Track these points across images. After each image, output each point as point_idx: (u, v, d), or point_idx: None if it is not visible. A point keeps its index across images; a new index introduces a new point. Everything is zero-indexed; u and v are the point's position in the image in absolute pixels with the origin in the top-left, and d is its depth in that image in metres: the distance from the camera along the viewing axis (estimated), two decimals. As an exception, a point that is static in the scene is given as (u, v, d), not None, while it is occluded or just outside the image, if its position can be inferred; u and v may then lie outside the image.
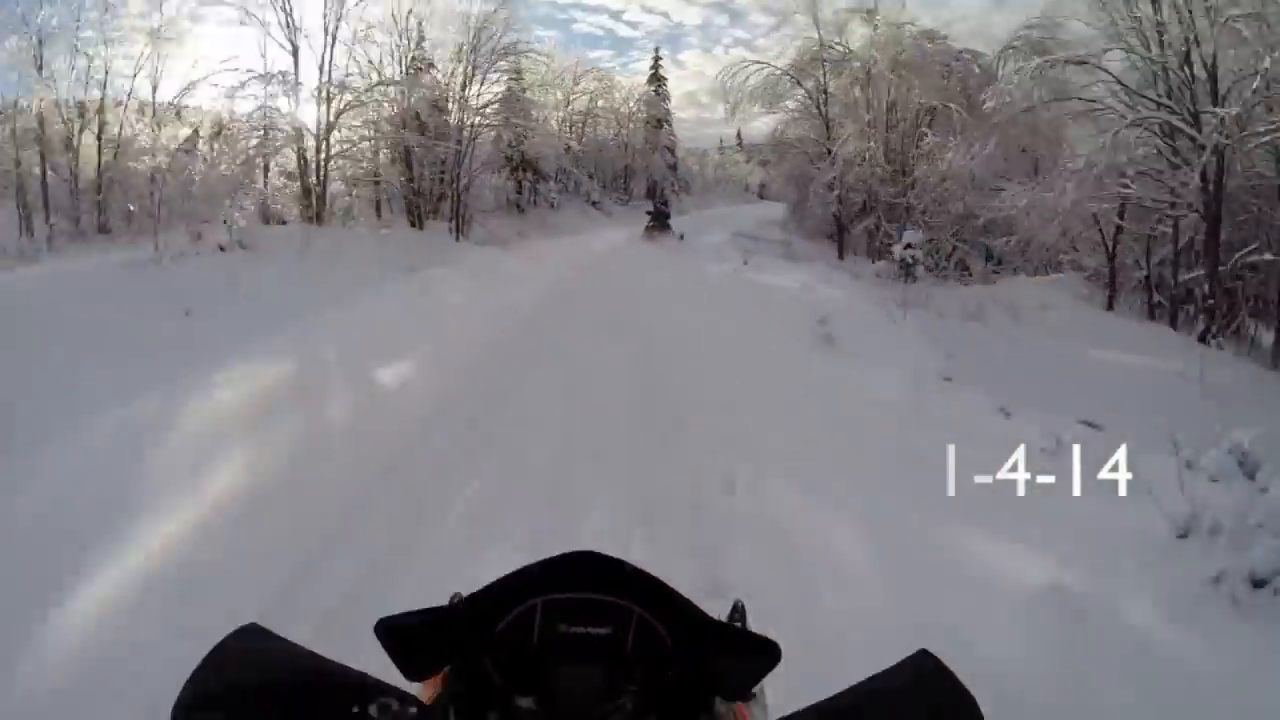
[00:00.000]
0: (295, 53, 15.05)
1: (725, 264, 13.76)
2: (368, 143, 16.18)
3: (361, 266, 12.55)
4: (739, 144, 55.03)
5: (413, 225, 17.18)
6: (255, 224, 14.14)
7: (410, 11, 16.56)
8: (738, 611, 1.19)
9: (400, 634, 0.58)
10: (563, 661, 0.59)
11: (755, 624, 1.02)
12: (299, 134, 14.90)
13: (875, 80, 17.10)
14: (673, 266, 13.51)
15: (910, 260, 11.94)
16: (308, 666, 0.56)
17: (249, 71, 14.55)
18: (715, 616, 0.62)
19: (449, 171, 17.40)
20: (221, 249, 13.00)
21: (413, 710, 0.55)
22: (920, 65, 16.58)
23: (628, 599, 0.60)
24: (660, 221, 22.10)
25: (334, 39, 15.09)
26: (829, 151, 18.72)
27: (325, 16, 15.03)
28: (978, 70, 16.58)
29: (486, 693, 0.61)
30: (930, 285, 11.97)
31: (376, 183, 16.49)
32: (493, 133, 20.22)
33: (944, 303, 10.36)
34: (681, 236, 21.47)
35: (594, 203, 25.69)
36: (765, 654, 0.60)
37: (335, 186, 15.88)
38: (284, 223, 15.38)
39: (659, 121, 31.01)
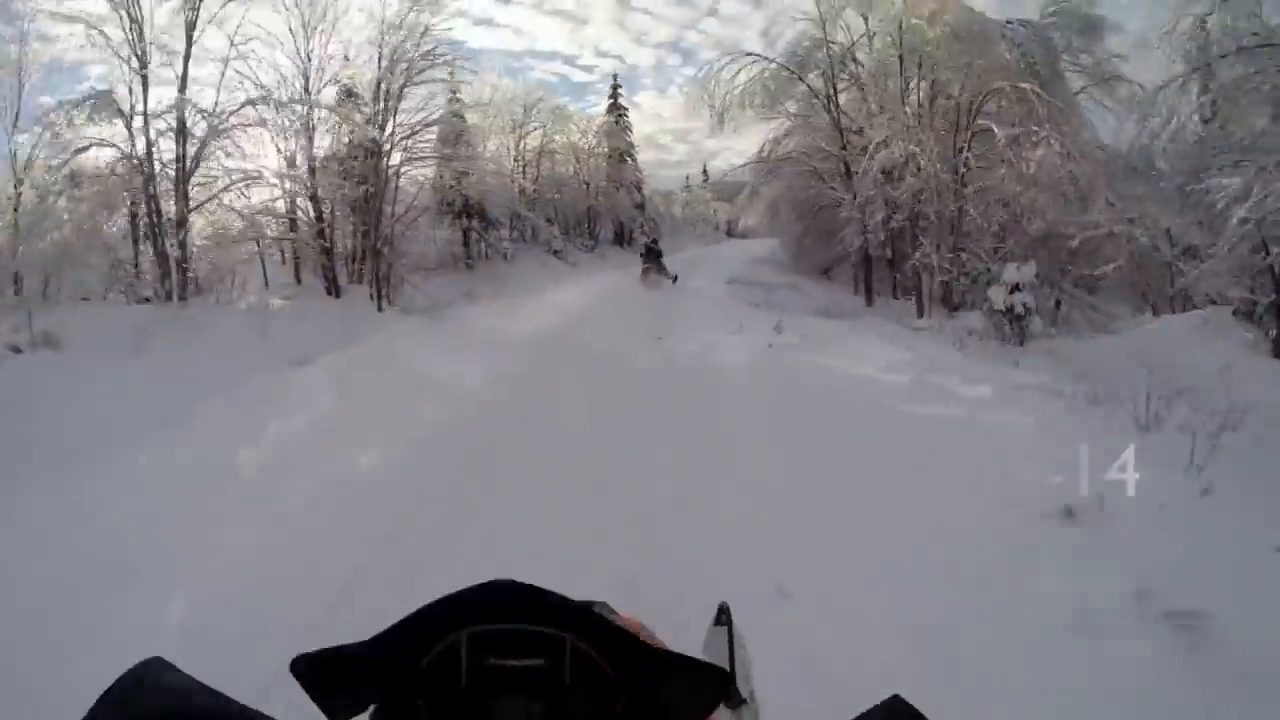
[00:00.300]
0: (144, 69, 11.05)
1: (746, 332, 9.82)
2: (242, 189, 12.03)
3: (225, 362, 8.49)
4: (705, 179, 52.46)
5: (330, 293, 13.18)
6: (75, 306, 9.99)
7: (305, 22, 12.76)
8: (724, 614, 1.14)
9: (320, 671, 0.55)
10: (500, 696, 0.56)
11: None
12: (142, 178, 10.81)
13: (910, 59, 13.26)
14: (676, 344, 9.45)
15: (1022, 310, 8.27)
16: (203, 706, 0.53)
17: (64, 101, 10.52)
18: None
19: (368, 222, 13.46)
20: (16, 350, 8.88)
21: None
22: (977, 35, 12.42)
23: (559, 628, 0.57)
24: (655, 261, 19.47)
25: (190, 47, 11.08)
26: (845, 167, 15.05)
27: (184, 13, 11.06)
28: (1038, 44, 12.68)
29: None
30: (1049, 341, 8.34)
31: (257, 241, 12.43)
32: (429, 172, 16.42)
33: (1117, 378, 6.55)
34: (675, 279, 18.74)
35: (555, 251, 21.88)
36: (715, 683, 0.57)
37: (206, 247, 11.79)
38: (147, 300, 11.28)
39: (622, 155, 27.48)
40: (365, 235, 13.50)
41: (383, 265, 13.13)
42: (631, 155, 28.86)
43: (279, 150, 12.52)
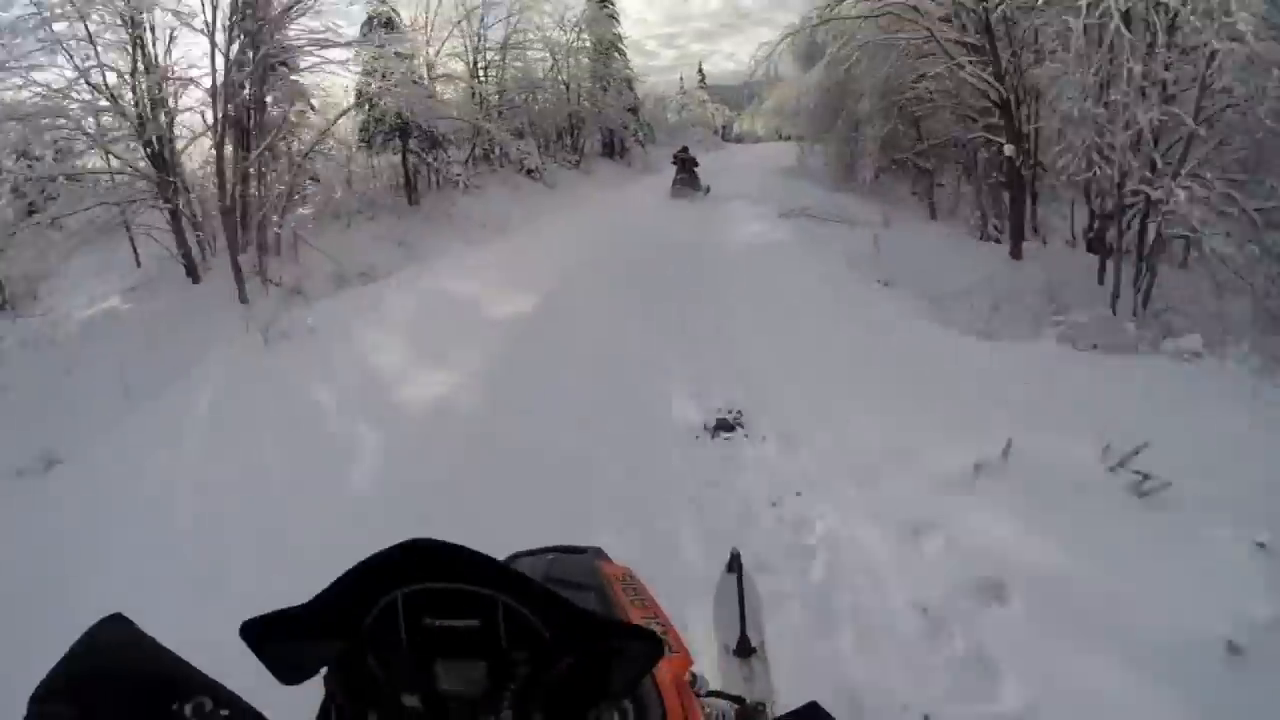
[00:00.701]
0: None
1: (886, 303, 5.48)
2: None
3: None
4: (702, 80, 46.43)
5: (190, 276, 8.76)
6: None
7: None
8: (735, 560, 1.18)
9: (268, 636, 0.55)
10: (441, 657, 0.57)
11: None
12: None
13: None
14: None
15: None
16: (155, 661, 0.54)
17: None
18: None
19: (241, 159, 8.92)
20: None
21: (224, 713, 0.53)
22: None
23: (489, 587, 0.57)
24: (689, 173, 17.71)
25: None
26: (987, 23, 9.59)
27: None
28: None
29: (370, 691, 0.58)
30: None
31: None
32: (348, 83, 11.75)
33: None
34: (707, 189, 17.21)
35: (528, 172, 17.19)
36: (647, 647, 0.57)
37: None
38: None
39: (610, 48, 22.32)
40: (242, 180, 8.97)
41: (254, 222, 8.63)
42: (620, 48, 23.62)
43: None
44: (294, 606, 0.56)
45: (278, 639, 0.56)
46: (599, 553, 0.98)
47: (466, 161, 15.62)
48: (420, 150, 13.40)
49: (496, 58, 18.06)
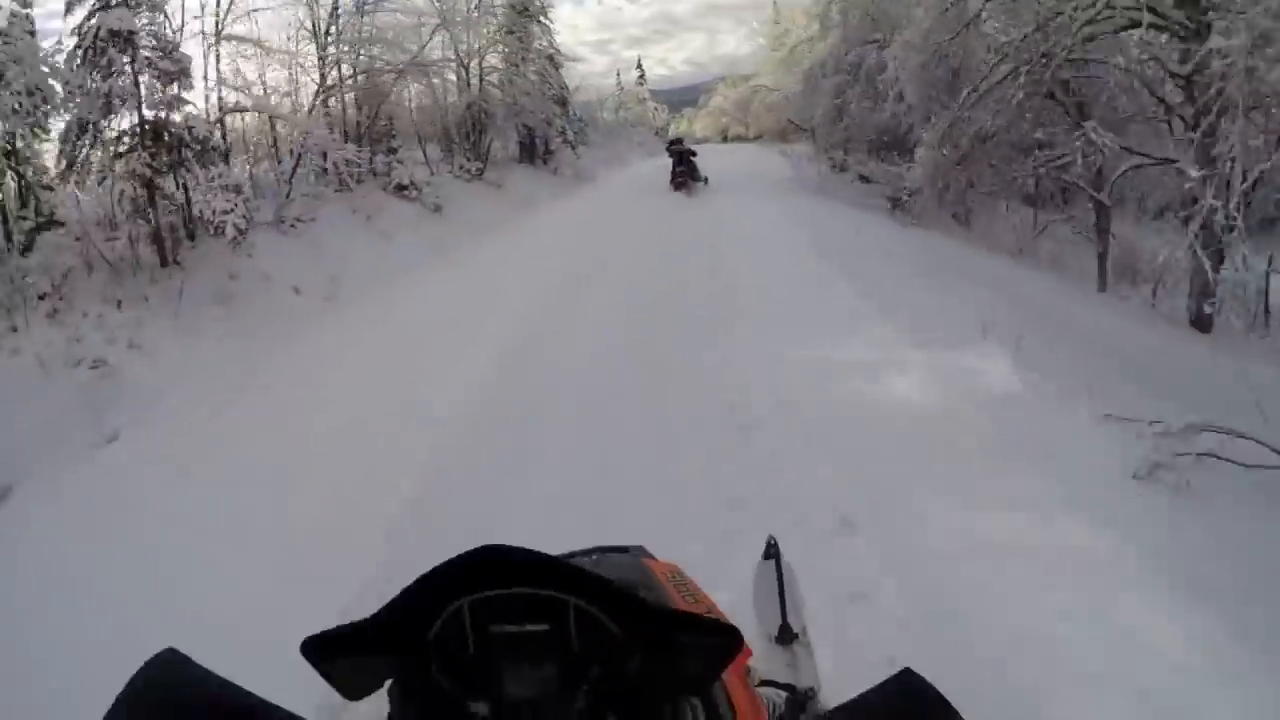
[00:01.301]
0: None
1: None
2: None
3: None
4: (641, 76, 40.95)
5: None
6: None
7: None
8: (772, 548, 1.16)
9: (330, 652, 0.54)
10: (508, 663, 0.55)
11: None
12: None
13: None
14: None
15: None
16: (223, 698, 0.54)
17: None
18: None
19: None
20: None
21: None
22: None
23: (560, 591, 0.55)
24: (688, 164, 15.18)
25: None
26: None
27: None
28: None
29: (437, 703, 0.56)
30: None
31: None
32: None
33: None
34: (705, 180, 15.18)
35: (401, 189, 11.36)
36: (725, 640, 0.55)
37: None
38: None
39: (525, 10, 16.50)
40: None
41: None
42: (544, 18, 17.85)
43: None
44: (357, 621, 0.54)
45: (340, 654, 0.54)
46: (643, 551, 0.94)
47: (290, 179, 9.63)
48: (170, 168, 7.37)
49: (351, 43, 12.08)
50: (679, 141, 16.80)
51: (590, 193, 16.27)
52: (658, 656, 0.55)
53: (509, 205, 14.00)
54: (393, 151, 12.41)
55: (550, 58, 17.77)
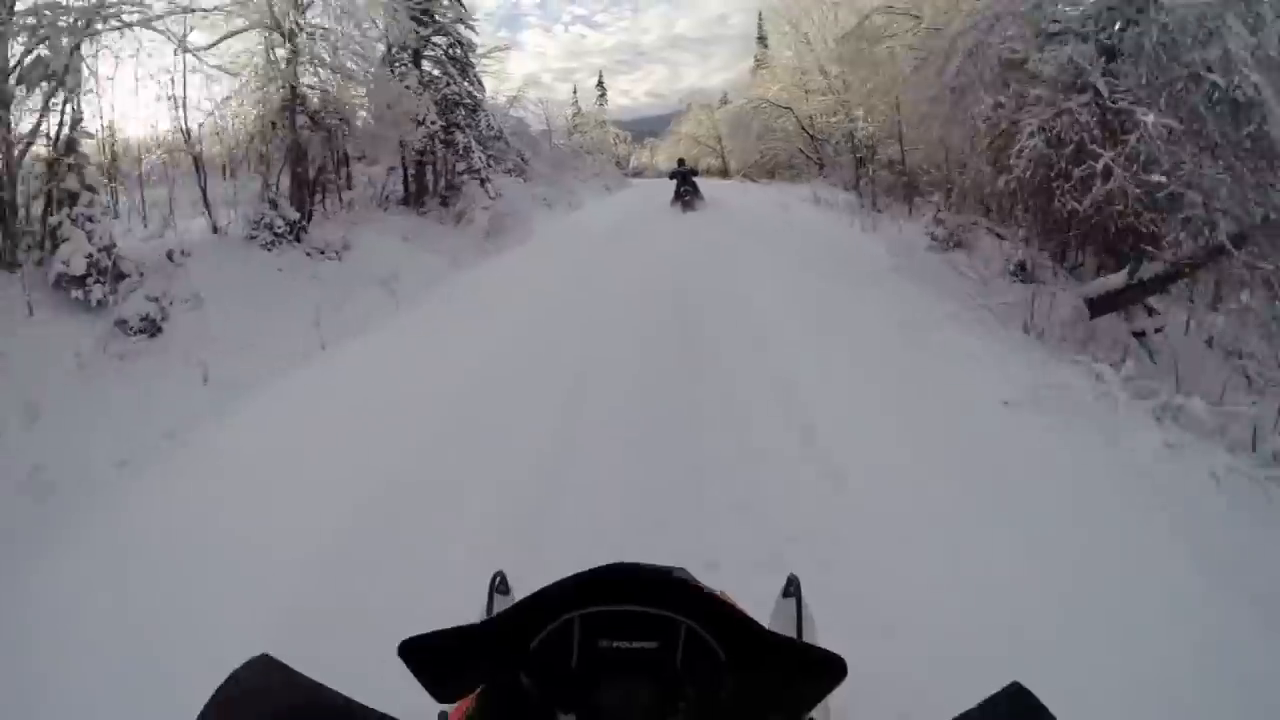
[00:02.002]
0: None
1: None
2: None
3: None
4: (602, 94, 35.13)
5: None
6: None
7: None
8: (793, 585, 1.15)
9: (427, 654, 0.55)
10: (607, 678, 0.56)
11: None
12: None
13: None
14: None
15: None
16: (315, 702, 0.54)
17: None
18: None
19: None
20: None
21: None
22: None
23: (675, 610, 0.56)
24: (691, 184, 15.46)
25: None
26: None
27: None
28: None
29: (523, 711, 0.57)
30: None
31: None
32: None
33: None
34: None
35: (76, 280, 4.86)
36: (829, 671, 0.55)
37: None
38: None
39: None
40: None
41: None
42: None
43: None
44: (461, 626, 0.55)
45: (439, 657, 0.55)
46: (685, 573, 0.78)
47: None
48: None
49: None
50: (682, 163, 17.35)
51: (506, 266, 10.07)
52: (755, 682, 0.55)
53: (336, 301, 7.66)
54: (89, 190, 6.01)
55: (458, 58, 11.51)
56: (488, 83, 14.25)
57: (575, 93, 32.04)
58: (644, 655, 0.56)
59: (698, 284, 7.70)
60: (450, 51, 11.44)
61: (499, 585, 1.22)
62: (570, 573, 0.60)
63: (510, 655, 0.57)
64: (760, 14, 28.62)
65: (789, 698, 0.57)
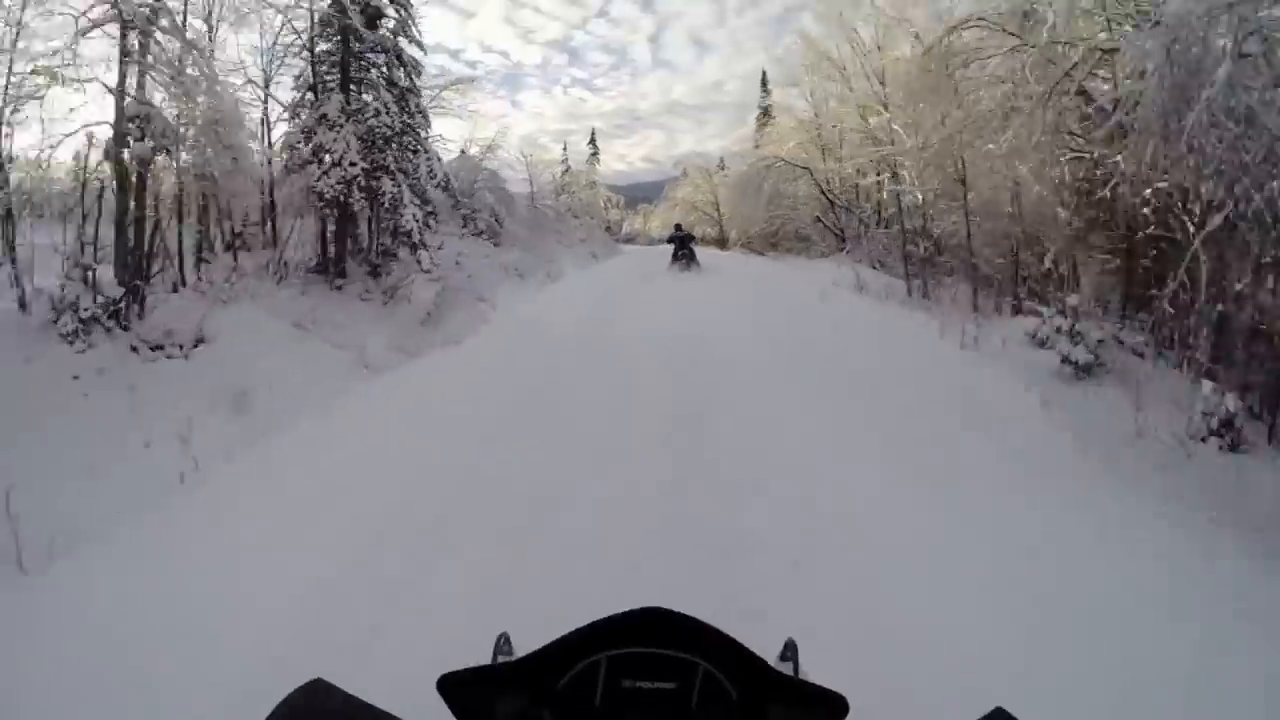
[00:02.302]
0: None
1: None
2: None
3: None
4: (594, 152, 33.06)
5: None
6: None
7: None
8: (789, 649, 1.13)
9: (462, 690, 0.59)
10: (627, 716, 0.59)
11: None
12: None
13: None
14: None
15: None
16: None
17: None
18: (771, 661, 0.64)
19: None
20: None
21: None
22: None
23: (694, 653, 0.59)
24: (688, 249, 15.89)
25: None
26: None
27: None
28: None
29: None
30: None
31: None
32: None
33: None
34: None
35: None
36: (831, 709, 0.58)
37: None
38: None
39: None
40: None
41: None
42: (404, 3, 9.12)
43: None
44: (495, 664, 0.64)
45: (474, 693, 0.58)
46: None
47: None
48: None
49: None
50: (679, 228, 17.76)
51: (441, 371, 7.23)
52: (762, 718, 0.58)
53: (146, 432, 4.77)
54: None
55: (390, 73, 8.88)
56: (454, 129, 11.88)
57: (565, 149, 29.78)
58: (663, 695, 0.58)
59: (722, 454, 4.74)
60: (389, 73, 8.80)
61: (502, 647, 1.11)
62: None
63: (539, 693, 0.59)
64: (764, 72, 26.97)
65: None
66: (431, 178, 10.54)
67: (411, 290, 8.73)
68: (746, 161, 20.01)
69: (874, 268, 13.45)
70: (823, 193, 16.09)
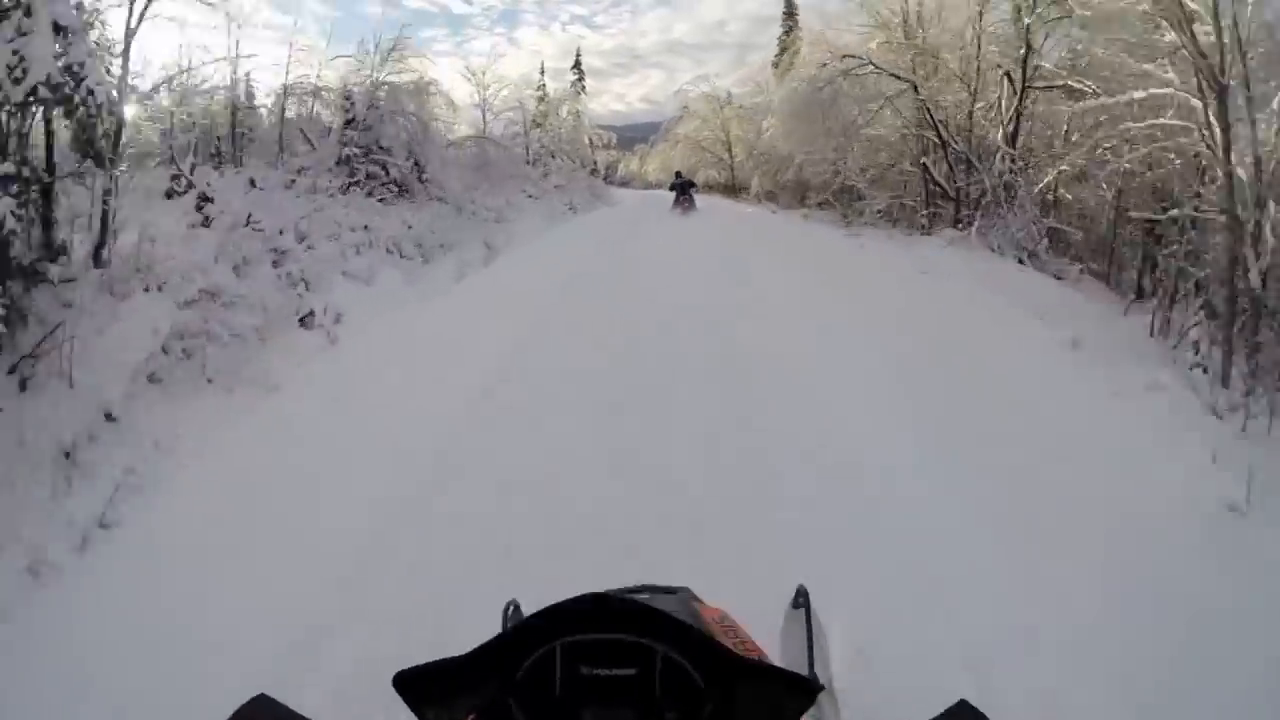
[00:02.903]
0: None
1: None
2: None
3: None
4: (579, 78, 26.54)
5: None
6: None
7: None
8: (802, 597, 1.16)
9: (419, 685, 0.57)
10: (590, 705, 0.58)
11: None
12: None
13: None
14: None
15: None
16: None
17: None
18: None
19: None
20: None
21: None
22: None
23: (652, 638, 0.59)
24: (689, 195, 16.15)
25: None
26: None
27: None
28: None
29: None
30: None
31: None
32: None
33: None
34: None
35: None
36: (801, 692, 0.58)
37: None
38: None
39: None
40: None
41: None
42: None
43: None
44: (451, 657, 0.57)
45: (431, 690, 0.56)
46: (689, 592, 0.96)
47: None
48: None
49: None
50: (680, 175, 17.75)
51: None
52: (732, 704, 0.57)
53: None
54: None
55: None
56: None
57: (543, 74, 23.61)
58: (624, 681, 0.57)
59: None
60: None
61: (511, 615, 1.17)
62: None
63: (500, 684, 0.58)
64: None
65: (766, 718, 0.58)
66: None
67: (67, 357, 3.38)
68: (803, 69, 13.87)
69: (1019, 261, 7.91)
70: (934, 124, 10.13)
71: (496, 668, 0.58)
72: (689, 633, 0.58)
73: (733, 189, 24.69)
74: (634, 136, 39.84)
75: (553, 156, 19.31)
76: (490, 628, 0.78)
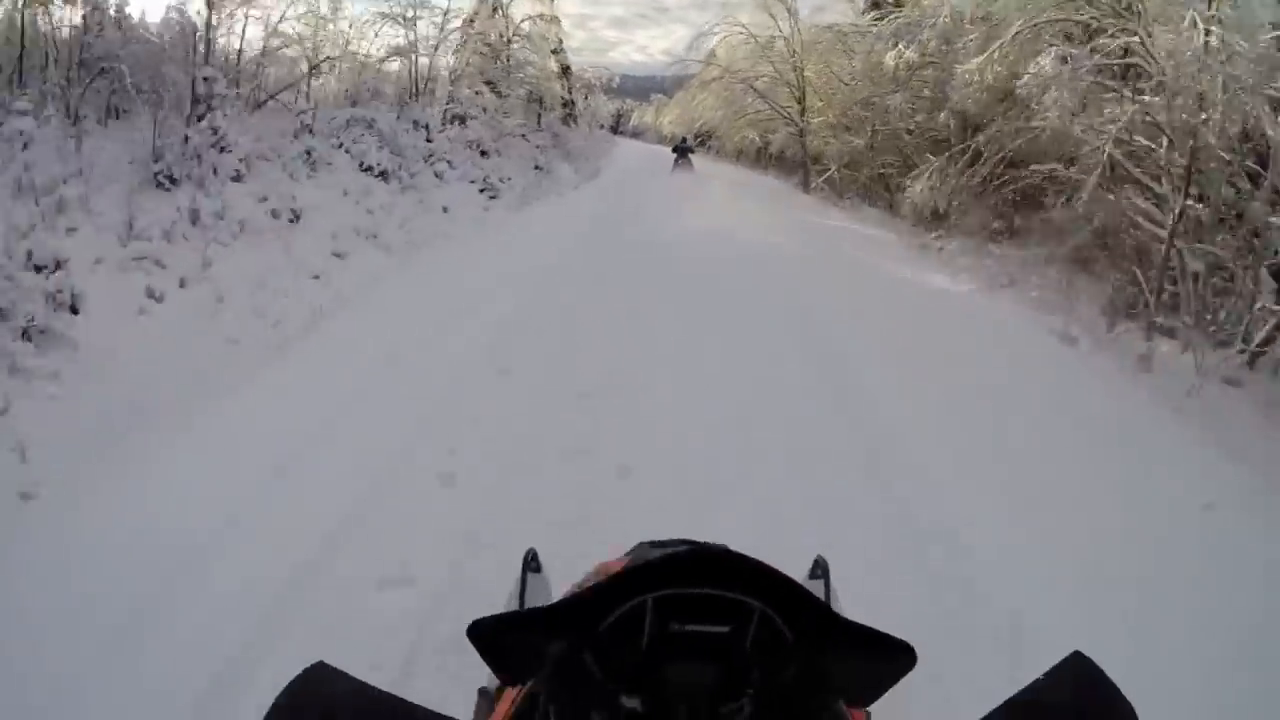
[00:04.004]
0: None
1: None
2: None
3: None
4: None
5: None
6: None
7: None
8: (819, 567, 1.13)
9: (495, 635, 0.55)
10: (674, 660, 0.54)
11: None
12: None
13: None
14: None
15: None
16: (377, 707, 0.55)
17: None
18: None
19: None
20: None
21: None
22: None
23: (753, 595, 0.54)
24: (686, 159, 17.68)
25: None
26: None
27: None
28: None
29: (589, 692, 0.55)
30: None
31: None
32: None
33: None
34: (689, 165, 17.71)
35: None
36: (899, 657, 0.53)
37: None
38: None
39: None
40: None
41: None
42: None
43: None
44: (531, 609, 0.55)
45: (508, 637, 0.54)
46: (723, 549, 0.75)
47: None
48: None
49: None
50: (684, 141, 18.85)
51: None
52: (820, 666, 0.54)
53: None
54: None
55: None
56: None
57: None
58: (715, 638, 0.54)
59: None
60: None
61: (531, 563, 1.14)
62: None
63: (578, 637, 0.54)
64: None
65: (855, 683, 0.56)
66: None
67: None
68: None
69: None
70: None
71: (577, 621, 0.53)
72: (794, 589, 0.53)
73: (802, 167, 16.92)
74: (652, 87, 38.24)
75: (506, 116, 14.30)
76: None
